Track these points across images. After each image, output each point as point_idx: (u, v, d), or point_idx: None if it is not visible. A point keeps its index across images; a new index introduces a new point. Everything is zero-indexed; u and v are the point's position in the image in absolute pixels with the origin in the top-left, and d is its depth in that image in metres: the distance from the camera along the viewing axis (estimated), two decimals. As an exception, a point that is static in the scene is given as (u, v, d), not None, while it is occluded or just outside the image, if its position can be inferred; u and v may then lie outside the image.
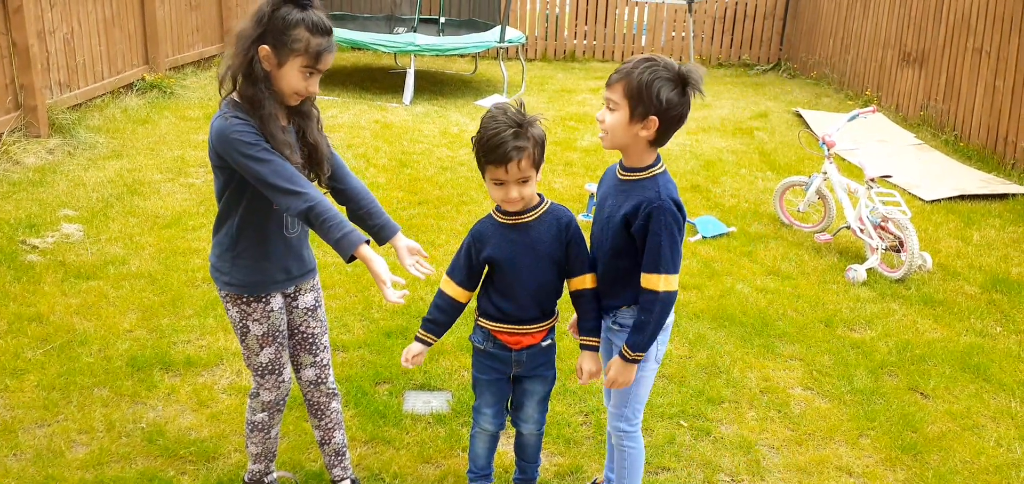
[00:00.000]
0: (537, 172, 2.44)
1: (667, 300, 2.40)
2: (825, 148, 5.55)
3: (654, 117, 2.33)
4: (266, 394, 2.70)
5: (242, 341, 2.62)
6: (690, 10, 11.68)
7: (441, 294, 2.62)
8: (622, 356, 2.48)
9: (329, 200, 2.40)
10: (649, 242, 2.37)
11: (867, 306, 4.71)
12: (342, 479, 2.91)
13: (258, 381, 2.68)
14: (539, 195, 2.54)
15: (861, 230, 5.25)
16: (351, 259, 2.34)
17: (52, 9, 6.99)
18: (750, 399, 3.70)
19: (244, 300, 2.55)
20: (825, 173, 5.64)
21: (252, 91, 2.33)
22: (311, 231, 2.62)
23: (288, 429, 3.30)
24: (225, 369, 3.72)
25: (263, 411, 2.74)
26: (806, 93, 11.19)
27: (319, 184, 2.54)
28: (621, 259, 2.47)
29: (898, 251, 5.08)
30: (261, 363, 2.63)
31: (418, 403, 3.52)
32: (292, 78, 2.33)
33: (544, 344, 2.65)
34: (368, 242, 2.39)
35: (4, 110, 6.44)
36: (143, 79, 8.58)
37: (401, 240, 2.54)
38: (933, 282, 5.07)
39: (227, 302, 2.58)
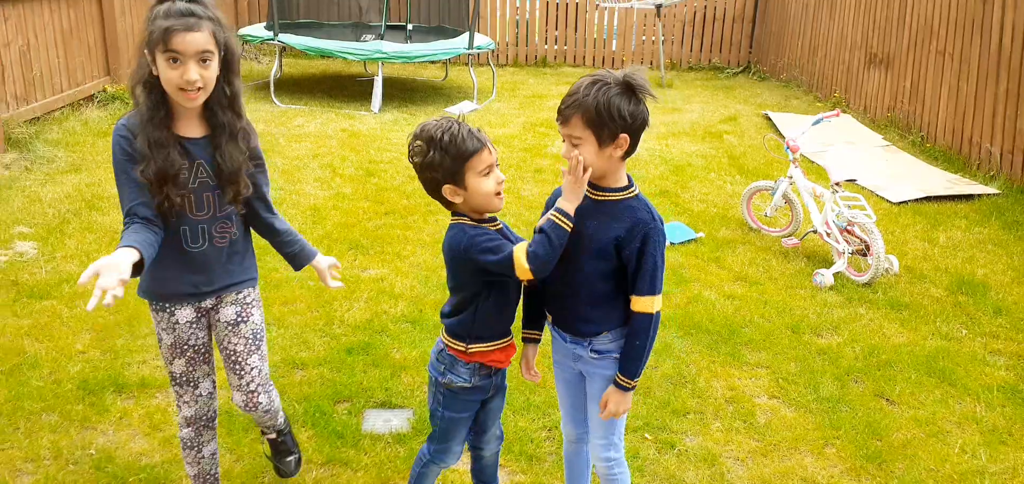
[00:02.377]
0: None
1: (657, 321, 2.36)
2: (790, 153, 5.55)
3: (623, 134, 2.26)
4: (185, 408, 2.65)
5: (160, 349, 2.64)
6: (659, 14, 11.69)
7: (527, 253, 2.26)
8: (618, 386, 2.40)
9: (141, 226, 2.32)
10: (644, 265, 2.29)
11: (834, 311, 4.70)
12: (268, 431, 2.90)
13: (176, 392, 2.64)
14: None
15: (827, 234, 5.25)
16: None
17: (6, 22, 6.83)
18: (716, 409, 3.67)
19: (152, 308, 2.55)
20: (791, 177, 5.64)
21: (141, 96, 2.32)
22: (251, 242, 2.58)
23: (243, 452, 3.22)
24: (180, 391, 3.62)
25: (187, 427, 2.68)
26: (776, 96, 11.25)
27: (232, 201, 2.45)
28: (606, 282, 2.36)
29: (864, 255, 5.09)
30: (174, 374, 2.62)
31: (378, 422, 3.44)
32: (164, 72, 2.26)
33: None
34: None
35: (-43, 125, 6.27)
36: (104, 91, 8.42)
37: (321, 261, 2.68)
38: (900, 285, 5.08)
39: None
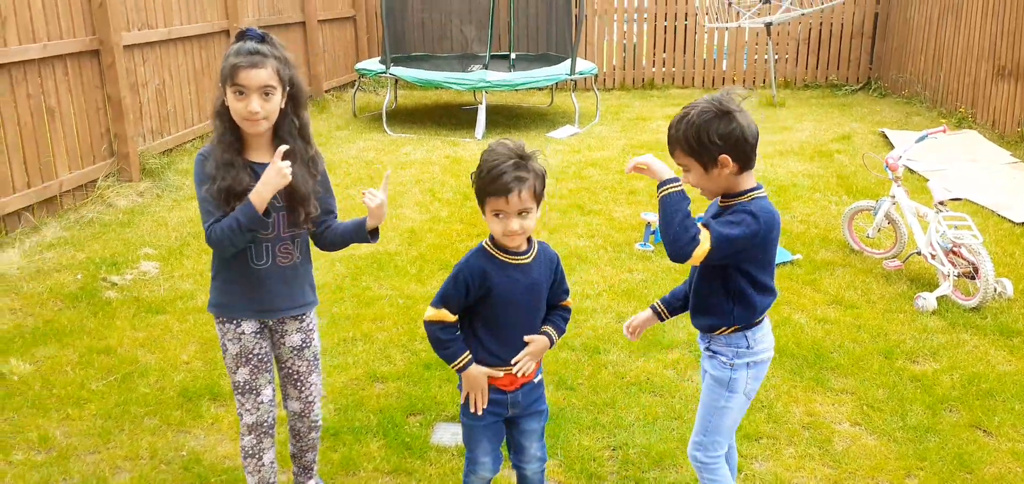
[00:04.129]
0: (537, 206, 2.44)
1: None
2: (889, 172, 5.29)
3: (723, 155, 2.37)
4: (247, 415, 2.81)
5: (224, 361, 2.81)
6: (769, 32, 11.40)
7: (442, 326, 2.54)
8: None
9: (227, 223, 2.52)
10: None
11: (935, 336, 4.44)
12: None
13: (239, 401, 2.82)
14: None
15: (932, 256, 4.96)
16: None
17: (144, 64, 7.52)
18: (790, 435, 3.55)
19: (219, 321, 2.75)
20: (893, 197, 5.37)
21: (216, 123, 2.59)
22: (311, 267, 2.77)
23: (391, 392, 3.40)
24: (268, 400, 3.87)
25: (249, 434, 2.84)
26: (896, 112, 10.69)
27: (304, 222, 2.68)
28: (721, 281, 2.47)
29: (972, 278, 4.77)
30: (237, 382, 2.78)
31: (446, 435, 3.55)
32: (231, 103, 2.53)
33: (536, 379, 2.64)
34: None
35: (100, 157, 6.95)
36: (231, 124, 9.08)
37: (371, 206, 2.68)
38: (1013, 310, 4.72)
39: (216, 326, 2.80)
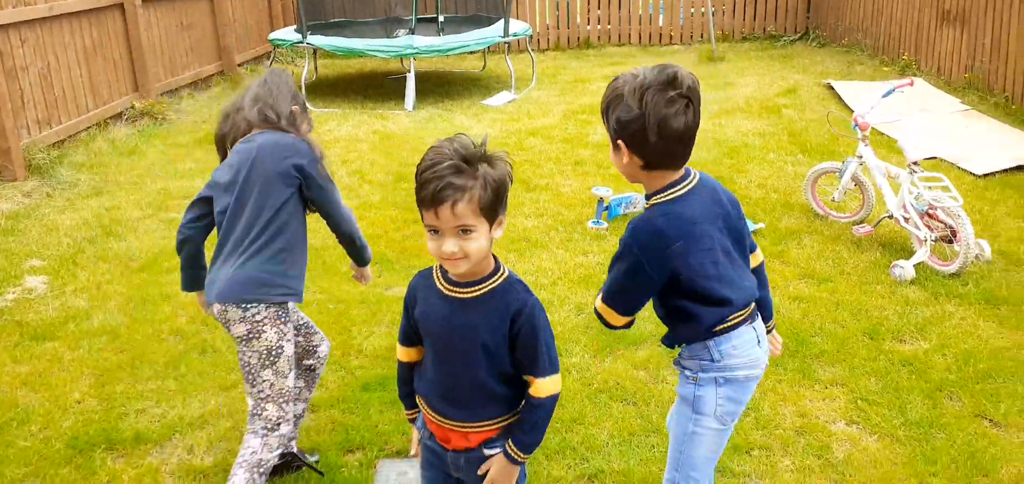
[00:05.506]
0: (490, 224, 1.86)
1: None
2: (858, 130, 4.92)
3: (620, 141, 2.00)
4: (285, 426, 2.61)
5: (269, 366, 2.58)
6: (707, -16, 10.98)
7: (401, 364, 2.15)
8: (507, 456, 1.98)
9: None
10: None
11: (918, 310, 4.10)
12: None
13: (279, 412, 2.60)
14: (496, 262, 1.96)
15: (905, 219, 4.63)
16: None
17: (23, 45, 6.63)
18: (784, 442, 3.14)
19: (284, 317, 2.59)
20: (860, 157, 5.02)
21: None
22: None
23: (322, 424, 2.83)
24: (176, 445, 3.26)
25: (279, 447, 2.61)
26: (837, 63, 10.46)
27: None
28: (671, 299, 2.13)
29: (950, 241, 4.45)
30: (287, 388, 2.62)
31: (392, 475, 3.02)
32: None
33: (484, 452, 2.01)
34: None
35: (-24, 155, 6.09)
36: (132, 107, 8.22)
37: None
38: (994, 274, 4.43)
39: (265, 324, 2.55)
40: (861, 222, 5.14)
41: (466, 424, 1.99)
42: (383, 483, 2.99)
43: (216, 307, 2.59)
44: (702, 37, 12.58)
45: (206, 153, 7.29)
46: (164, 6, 9.02)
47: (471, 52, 10.30)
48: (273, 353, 2.57)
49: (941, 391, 3.42)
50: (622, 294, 2.09)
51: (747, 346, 2.14)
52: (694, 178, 2.08)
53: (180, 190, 6.32)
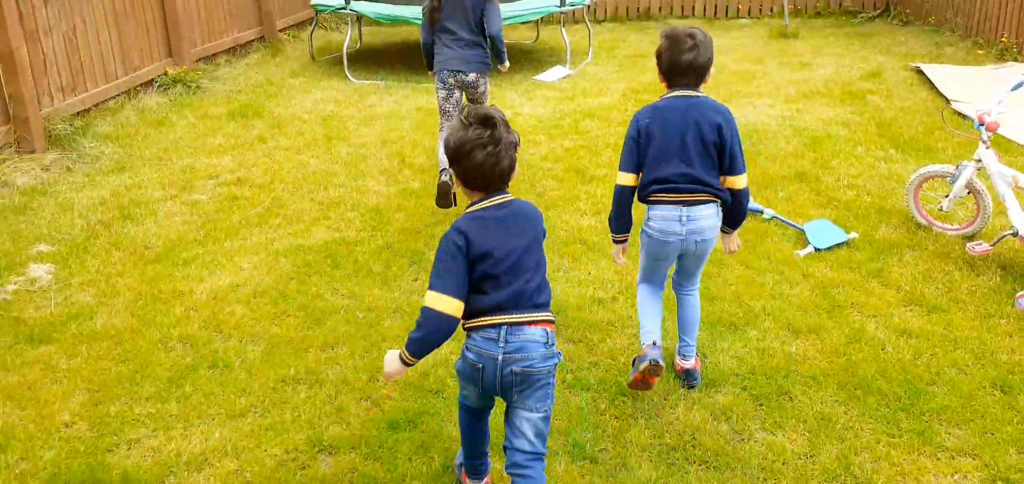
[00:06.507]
0: None
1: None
2: (983, 130, 4.17)
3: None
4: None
5: None
6: (782, -46, 10.10)
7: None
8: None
9: None
10: None
11: (1057, 355, 3.40)
12: None
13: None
14: None
15: (1037, 240, 3.90)
16: None
17: (46, 5, 6.18)
18: (908, 536, 2.51)
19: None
20: (979, 160, 4.28)
21: None
22: None
23: (340, 472, 2.32)
24: (168, 492, 2.77)
25: None
26: (924, 43, 9.53)
27: None
28: None
29: (1094, 270, 3.72)
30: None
31: (419, 553, 2.48)
32: None
33: None
34: None
35: (-7, 124, 5.69)
36: (165, 74, 7.77)
37: None
38: None
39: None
40: (973, 236, 4.42)
41: None
42: (408, 562, 2.44)
43: None
44: (772, 10, 11.69)
45: (238, 126, 6.81)
46: (202, -33, 8.55)
47: (524, 23, 9.63)
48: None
49: (1102, 471, 2.75)
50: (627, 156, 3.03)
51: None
52: (672, 93, 3.00)
53: (207, 168, 5.84)
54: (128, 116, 6.96)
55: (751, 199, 4.98)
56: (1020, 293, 3.79)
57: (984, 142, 4.21)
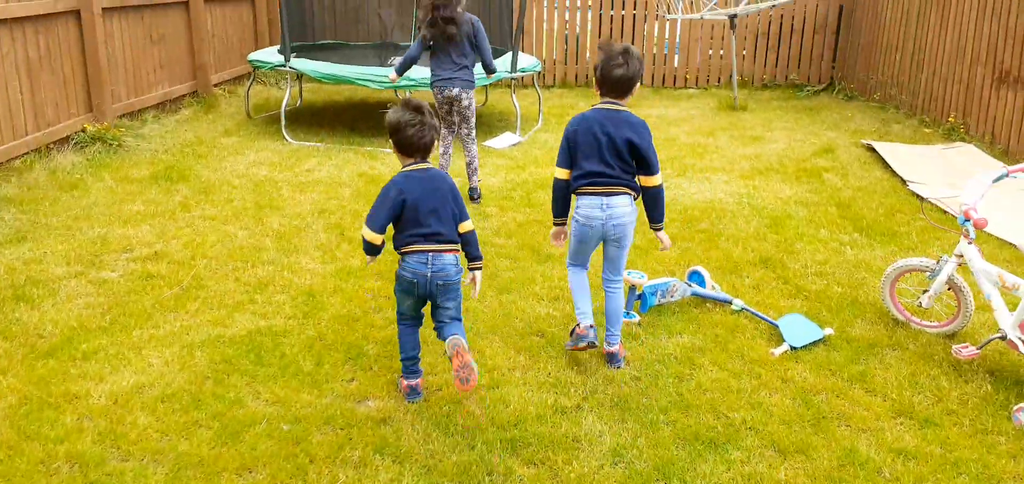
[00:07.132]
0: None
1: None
2: (968, 225, 3.93)
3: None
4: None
5: None
6: (733, 27, 10.07)
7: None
8: None
9: None
10: None
11: (1064, 480, 3.09)
12: None
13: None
14: None
15: (1027, 345, 3.64)
16: None
17: (-56, 53, 5.56)
18: None
19: None
20: (960, 256, 4.04)
21: None
22: None
23: None
24: None
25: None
26: (870, 120, 9.55)
27: None
28: None
29: (1091, 381, 3.46)
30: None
31: None
32: None
33: None
34: None
35: None
36: (83, 130, 7.15)
37: None
38: None
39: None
40: (954, 335, 4.15)
41: None
42: None
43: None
44: (719, 81, 11.68)
45: (160, 191, 6.23)
46: (131, 15, 7.99)
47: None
48: None
49: None
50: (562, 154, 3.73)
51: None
52: (599, 104, 3.65)
53: (120, 240, 5.24)
54: (37, 177, 6.31)
55: (718, 288, 4.66)
56: (1017, 407, 3.50)
57: (969, 238, 3.96)
